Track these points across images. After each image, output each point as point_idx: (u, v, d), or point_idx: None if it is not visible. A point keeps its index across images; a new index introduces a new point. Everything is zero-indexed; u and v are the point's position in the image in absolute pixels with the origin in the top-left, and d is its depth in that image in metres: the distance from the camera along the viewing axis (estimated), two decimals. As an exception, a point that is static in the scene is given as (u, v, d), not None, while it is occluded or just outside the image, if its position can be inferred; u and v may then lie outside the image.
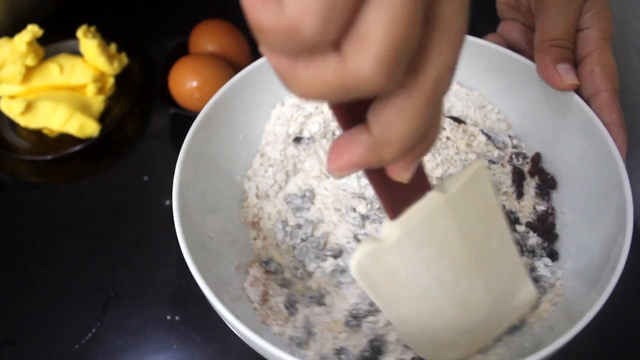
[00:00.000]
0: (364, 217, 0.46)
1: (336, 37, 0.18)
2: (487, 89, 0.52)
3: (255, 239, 0.47)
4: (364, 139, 0.22)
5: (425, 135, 0.23)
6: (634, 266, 0.39)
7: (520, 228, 0.46)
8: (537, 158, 0.49)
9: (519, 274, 0.39)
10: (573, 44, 0.45)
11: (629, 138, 0.44)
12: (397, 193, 0.29)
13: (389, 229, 0.31)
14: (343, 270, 0.44)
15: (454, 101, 0.52)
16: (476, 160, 0.34)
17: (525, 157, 0.49)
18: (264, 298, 0.44)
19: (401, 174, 0.26)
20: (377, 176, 0.27)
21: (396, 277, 0.33)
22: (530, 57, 0.48)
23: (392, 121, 0.22)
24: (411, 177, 0.26)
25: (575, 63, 0.46)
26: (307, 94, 0.19)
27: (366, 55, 0.18)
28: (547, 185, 0.48)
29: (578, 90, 0.45)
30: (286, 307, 0.43)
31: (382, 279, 0.33)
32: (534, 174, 0.48)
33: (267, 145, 0.51)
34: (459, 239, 0.33)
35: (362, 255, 0.31)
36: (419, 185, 0.30)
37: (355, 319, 0.42)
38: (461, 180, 0.32)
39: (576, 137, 0.46)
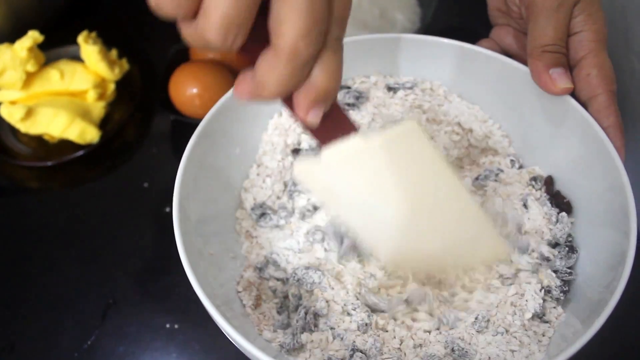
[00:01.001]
0: None
1: (190, 14, 0.27)
2: (486, 102, 0.52)
3: (250, 248, 0.47)
4: (251, 79, 0.30)
5: (309, 84, 0.30)
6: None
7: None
8: (550, 181, 0.48)
9: (481, 229, 0.41)
10: (565, 47, 0.45)
11: (634, 144, 0.44)
12: (321, 130, 0.34)
13: (322, 156, 0.36)
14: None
15: (458, 114, 0.52)
16: (409, 119, 0.36)
17: (535, 179, 0.48)
18: (257, 303, 0.44)
19: (304, 117, 0.31)
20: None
21: (331, 193, 0.38)
22: (524, 62, 0.48)
23: (263, 69, 0.29)
24: (316, 121, 0.32)
25: (571, 67, 0.46)
26: (189, 42, 0.28)
27: (207, 24, 0.26)
28: (562, 209, 0.46)
29: (575, 95, 0.45)
30: (278, 312, 0.43)
31: (320, 189, 0.38)
32: (548, 198, 0.47)
33: (264, 155, 0.51)
34: (392, 184, 0.37)
35: (298, 166, 0.37)
36: (341, 127, 0.35)
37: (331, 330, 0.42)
38: (389, 133, 0.35)
39: (573, 141, 0.46)
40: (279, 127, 0.51)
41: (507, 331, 0.41)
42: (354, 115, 0.51)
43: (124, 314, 0.52)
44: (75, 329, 0.52)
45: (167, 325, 0.51)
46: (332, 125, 0.34)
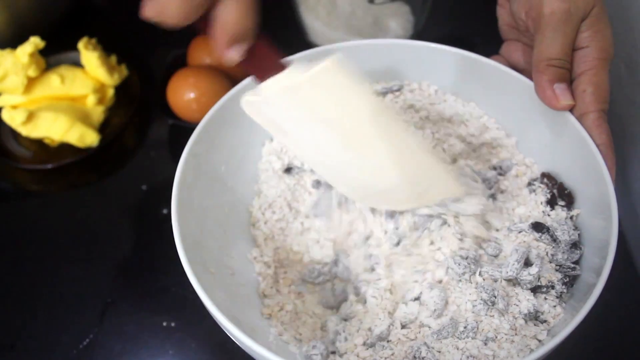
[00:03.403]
0: None
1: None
2: (483, 101, 0.53)
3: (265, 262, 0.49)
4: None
5: (220, 24, 0.35)
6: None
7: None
8: (548, 175, 0.48)
9: (432, 162, 0.42)
10: (570, 63, 0.45)
11: (621, 148, 0.44)
12: (252, 67, 0.38)
13: (260, 89, 0.39)
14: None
15: (453, 114, 0.53)
16: (332, 56, 0.37)
17: (531, 183, 0.49)
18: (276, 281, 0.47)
19: (221, 55, 0.36)
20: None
21: (278, 127, 0.41)
22: (530, 77, 0.48)
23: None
24: (234, 59, 0.36)
25: (571, 81, 0.46)
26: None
27: None
28: (564, 200, 0.47)
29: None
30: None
31: (266, 122, 0.41)
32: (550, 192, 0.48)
33: (263, 183, 0.52)
34: (332, 119, 0.39)
35: (243, 101, 0.40)
36: (271, 64, 0.38)
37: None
38: (317, 68, 0.36)
39: (568, 155, 0.47)
40: (273, 153, 0.52)
41: (496, 337, 0.40)
42: None
43: (122, 313, 0.54)
44: (75, 327, 0.53)
45: (164, 324, 0.52)
46: (262, 62, 0.38)
